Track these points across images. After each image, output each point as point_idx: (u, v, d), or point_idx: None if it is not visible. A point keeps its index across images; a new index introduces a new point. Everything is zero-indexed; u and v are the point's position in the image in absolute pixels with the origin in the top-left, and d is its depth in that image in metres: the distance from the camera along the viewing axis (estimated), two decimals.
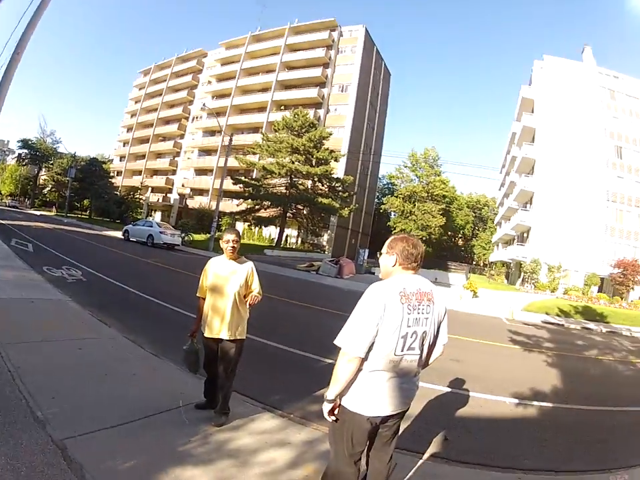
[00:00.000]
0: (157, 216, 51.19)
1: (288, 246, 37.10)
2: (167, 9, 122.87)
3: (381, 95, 50.06)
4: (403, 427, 3.16)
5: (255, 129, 42.77)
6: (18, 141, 53.24)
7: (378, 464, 1.99)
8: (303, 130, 31.93)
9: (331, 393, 1.77)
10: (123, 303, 7.12)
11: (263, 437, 2.84)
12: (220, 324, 2.93)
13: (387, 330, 1.72)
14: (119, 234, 23.90)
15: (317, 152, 31.51)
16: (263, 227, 36.36)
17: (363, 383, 1.77)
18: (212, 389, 3.11)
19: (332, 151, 32.47)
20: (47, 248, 13.24)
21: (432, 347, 1.96)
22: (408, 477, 2.67)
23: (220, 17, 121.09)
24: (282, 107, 41.97)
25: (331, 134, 33.74)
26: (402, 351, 1.77)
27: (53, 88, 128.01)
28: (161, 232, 20.80)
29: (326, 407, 1.79)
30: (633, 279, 27.40)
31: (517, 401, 4.98)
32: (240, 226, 37.56)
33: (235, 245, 3.02)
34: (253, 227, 37.66)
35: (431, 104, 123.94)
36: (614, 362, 8.99)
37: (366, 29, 44.73)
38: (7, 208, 45.27)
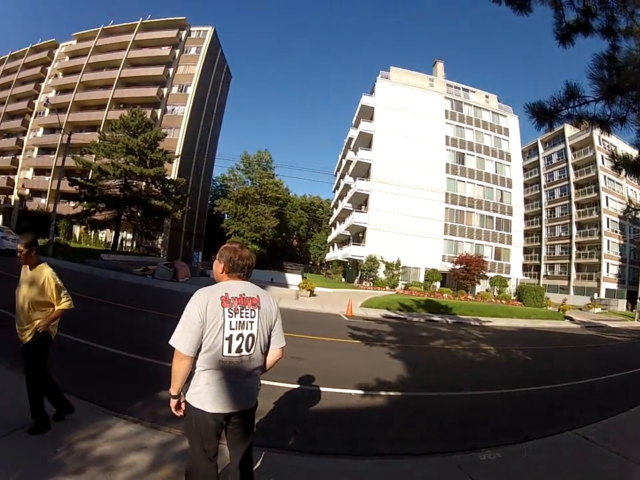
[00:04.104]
0: None
1: (124, 250, 35.24)
2: None
3: (219, 96, 50.16)
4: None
5: (93, 127, 39.06)
6: None
7: (235, 460, 2.05)
8: (139, 130, 31.05)
9: (172, 389, 1.93)
10: None
11: (120, 443, 2.95)
12: (18, 328, 2.97)
13: (211, 331, 1.86)
14: None
15: (152, 153, 30.97)
16: (98, 230, 33.79)
17: (199, 381, 1.90)
18: (51, 397, 3.07)
19: (166, 152, 32.21)
20: None
21: (266, 349, 2.06)
22: (264, 470, 2.80)
23: (79, 7, 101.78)
24: (121, 105, 39.97)
25: (165, 135, 33.70)
26: (229, 352, 1.89)
27: None
28: (2, 237, 18.63)
29: (172, 403, 1.97)
30: (478, 273, 27.97)
31: (362, 392, 5.06)
32: (76, 229, 35.93)
33: (25, 254, 2.90)
34: (89, 231, 34.86)
35: (269, 108, 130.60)
36: (462, 350, 9.16)
37: (214, 30, 44.90)
38: None
